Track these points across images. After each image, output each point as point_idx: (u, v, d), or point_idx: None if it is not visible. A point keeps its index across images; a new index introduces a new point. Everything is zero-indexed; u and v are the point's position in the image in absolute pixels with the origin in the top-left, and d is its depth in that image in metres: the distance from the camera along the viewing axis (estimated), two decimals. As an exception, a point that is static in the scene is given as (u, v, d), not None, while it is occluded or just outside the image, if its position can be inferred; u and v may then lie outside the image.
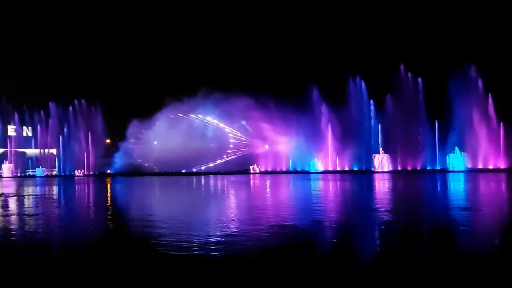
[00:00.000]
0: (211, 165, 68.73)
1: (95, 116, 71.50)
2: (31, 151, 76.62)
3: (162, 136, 69.68)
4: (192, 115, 69.50)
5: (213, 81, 65.74)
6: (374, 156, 57.66)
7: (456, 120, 54.16)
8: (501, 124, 53.13)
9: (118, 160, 69.89)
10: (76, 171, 70.09)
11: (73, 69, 79.90)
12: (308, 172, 58.85)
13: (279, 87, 59.58)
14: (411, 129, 56.46)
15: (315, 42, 71.12)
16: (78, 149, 71.17)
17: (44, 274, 6.90)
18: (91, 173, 69.92)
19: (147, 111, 70.53)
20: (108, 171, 70.56)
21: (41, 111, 73.14)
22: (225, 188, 28.74)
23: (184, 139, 66.62)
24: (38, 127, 74.19)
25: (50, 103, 72.07)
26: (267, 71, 67.85)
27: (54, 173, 71.95)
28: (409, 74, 57.44)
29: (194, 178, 49.59)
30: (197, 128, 69.17)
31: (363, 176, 45.89)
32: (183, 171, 67.18)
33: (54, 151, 74.11)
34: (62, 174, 70.49)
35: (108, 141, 77.14)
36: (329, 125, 60.30)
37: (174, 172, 66.09)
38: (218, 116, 68.27)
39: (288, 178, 43.34)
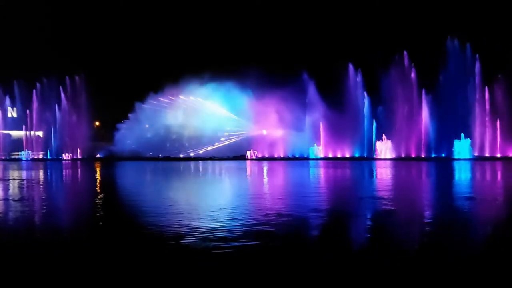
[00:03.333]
0: (209, 148, 66.27)
1: (84, 97, 68.11)
2: (16, 133, 73.05)
3: (154, 119, 66.99)
4: (182, 97, 66.71)
5: (210, 64, 63.48)
6: (377, 143, 55.84)
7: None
8: None
9: (113, 147, 66.84)
10: (64, 154, 67.02)
11: (61, 49, 76.50)
12: (307, 159, 56.73)
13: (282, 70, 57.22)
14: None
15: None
16: (66, 131, 67.88)
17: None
18: (80, 157, 66.95)
19: (139, 93, 67.93)
20: (98, 155, 67.69)
21: (27, 91, 69.54)
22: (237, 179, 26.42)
23: (179, 122, 64.24)
24: (23, 108, 70.69)
25: (36, 83, 68.66)
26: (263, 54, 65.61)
27: (40, 156, 68.78)
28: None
29: (183, 164, 47.15)
30: (192, 111, 66.31)
31: (367, 163, 43.77)
32: (181, 155, 64.76)
33: (40, 133, 70.71)
34: (49, 157, 67.39)
35: (97, 123, 73.94)
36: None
37: (167, 157, 63.47)
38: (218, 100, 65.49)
39: (292, 165, 41.19)
